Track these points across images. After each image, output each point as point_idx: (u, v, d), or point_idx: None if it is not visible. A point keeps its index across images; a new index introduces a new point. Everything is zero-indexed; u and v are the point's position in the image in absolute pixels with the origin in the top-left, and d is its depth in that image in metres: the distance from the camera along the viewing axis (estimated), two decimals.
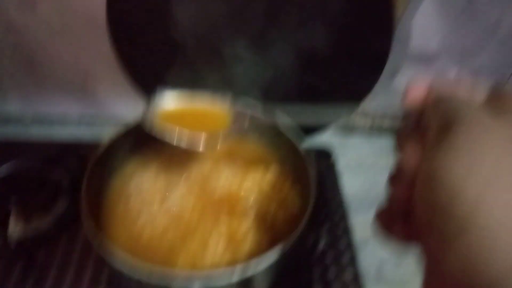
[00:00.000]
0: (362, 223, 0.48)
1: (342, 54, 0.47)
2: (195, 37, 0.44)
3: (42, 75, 0.56)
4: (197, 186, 0.41)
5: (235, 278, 0.29)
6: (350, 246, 0.45)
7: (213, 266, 0.35)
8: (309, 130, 0.52)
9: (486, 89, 0.19)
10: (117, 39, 0.46)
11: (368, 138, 0.60)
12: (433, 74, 0.55)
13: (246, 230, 0.37)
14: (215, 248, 0.35)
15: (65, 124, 0.61)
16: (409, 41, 0.51)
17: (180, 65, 0.45)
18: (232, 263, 0.34)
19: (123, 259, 0.29)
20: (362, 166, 0.57)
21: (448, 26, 0.50)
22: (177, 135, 0.31)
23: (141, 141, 0.41)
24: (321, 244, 0.44)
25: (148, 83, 0.49)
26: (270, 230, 0.37)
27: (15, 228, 0.42)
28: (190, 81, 0.39)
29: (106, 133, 0.39)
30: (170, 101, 0.33)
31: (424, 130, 0.19)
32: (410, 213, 0.19)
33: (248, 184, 0.41)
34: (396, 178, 0.20)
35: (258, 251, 0.35)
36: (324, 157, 0.56)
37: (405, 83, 0.21)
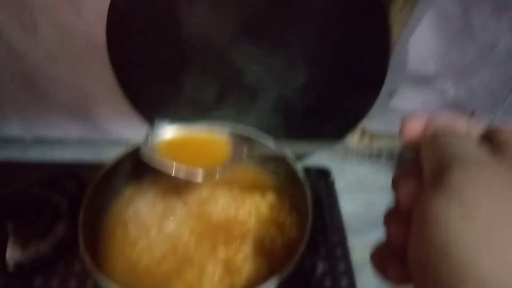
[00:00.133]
0: (360, 245, 0.48)
1: (340, 75, 0.47)
2: (194, 64, 0.45)
3: (43, 98, 0.56)
4: (195, 211, 0.41)
5: None
6: (348, 269, 0.45)
7: None
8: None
9: (483, 123, 0.19)
10: (116, 64, 0.46)
11: (367, 158, 0.60)
12: (431, 94, 0.55)
13: (244, 257, 0.37)
14: (212, 276, 0.35)
15: (64, 147, 0.61)
16: (407, 62, 0.51)
17: (179, 93, 0.45)
18: None
19: None
20: (361, 186, 0.57)
21: (445, 46, 0.50)
22: (175, 168, 0.31)
23: (140, 166, 0.41)
24: (320, 268, 0.44)
25: (147, 108, 0.50)
26: (268, 256, 0.37)
27: (13, 253, 0.42)
28: (187, 108, 0.40)
29: (105, 157, 0.39)
30: (169, 131, 0.33)
31: (422, 165, 0.18)
32: (407, 253, 0.18)
33: (246, 209, 0.41)
34: (392, 216, 0.19)
35: (256, 278, 0.35)
36: (323, 175, 0.56)
37: (402, 117, 0.21)
